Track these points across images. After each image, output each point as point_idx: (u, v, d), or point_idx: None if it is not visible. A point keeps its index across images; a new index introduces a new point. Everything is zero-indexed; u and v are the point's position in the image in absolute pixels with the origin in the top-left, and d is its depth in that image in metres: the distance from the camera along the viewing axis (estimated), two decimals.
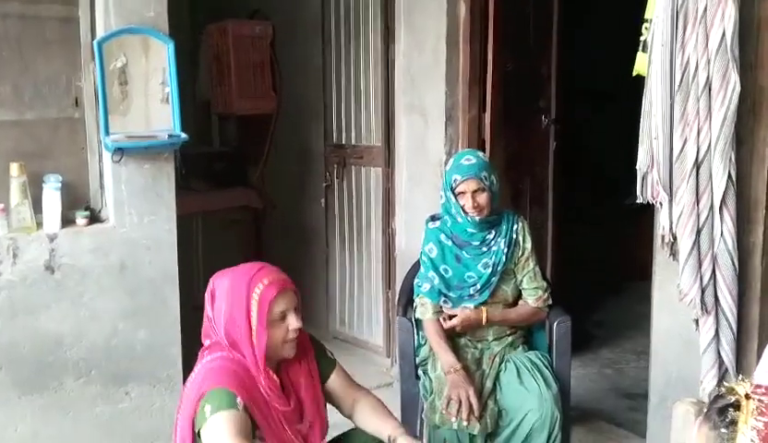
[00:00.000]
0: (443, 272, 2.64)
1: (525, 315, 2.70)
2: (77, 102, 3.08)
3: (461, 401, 2.41)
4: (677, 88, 2.29)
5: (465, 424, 2.41)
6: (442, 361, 2.56)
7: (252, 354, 1.91)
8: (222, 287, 1.96)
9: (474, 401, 2.42)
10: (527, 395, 2.48)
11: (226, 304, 1.93)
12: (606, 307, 4.93)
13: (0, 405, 2.88)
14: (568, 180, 4.29)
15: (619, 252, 5.64)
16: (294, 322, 1.96)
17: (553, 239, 3.92)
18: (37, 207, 2.95)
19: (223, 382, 1.83)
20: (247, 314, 1.90)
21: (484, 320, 2.60)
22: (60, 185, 2.95)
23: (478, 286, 2.62)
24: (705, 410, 1.50)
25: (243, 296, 1.91)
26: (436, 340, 2.60)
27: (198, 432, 1.83)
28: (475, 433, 2.42)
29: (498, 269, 2.63)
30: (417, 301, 2.70)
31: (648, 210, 4.64)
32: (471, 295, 2.63)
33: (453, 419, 2.42)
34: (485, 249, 2.64)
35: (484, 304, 2.63)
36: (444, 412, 2.46)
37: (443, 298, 2.63)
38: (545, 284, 2.71)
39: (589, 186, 5.79)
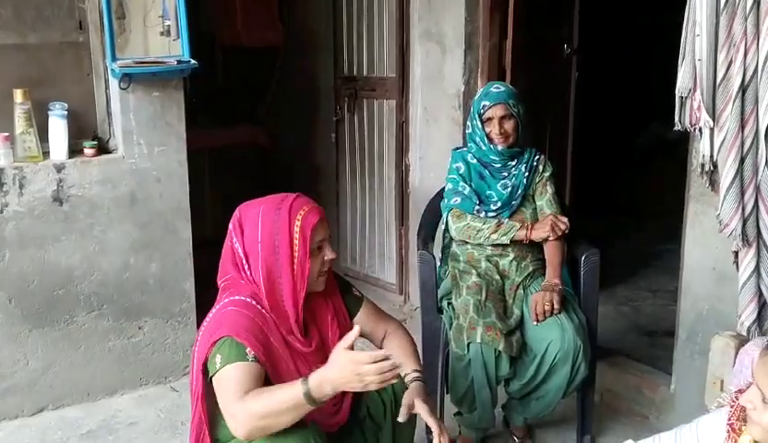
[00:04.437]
0: (472, 187, 2.66)
1: (559, 249, 2.62)
2: (81, 26, 2.94)
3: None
4: (722, 6, 2.15)
5: (485, 293, 2.46)
6: (506, 232, 2.56)
7: (291, 285, 1.83)
8: (256, 217, 1.85)
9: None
10: (548, 327, 2.44)
11: (265, 233, 1.83)
12: (618, 245, 4.86)
13: (11, 339, 2.83)
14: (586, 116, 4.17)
15: (631, 191, 5.58)
16: (329, 253, 1.90)
17: (572, 174, 3.81)
18: (42, 136, 2.84)
19: (234, 331, 1.75)
20: (290, 241, 1.82)
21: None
22: (66, 112, 2.84)
23: (499, 204, 2.63)
24: None
25: (285, 223, 1.82)
26: (481, 221, 2.59)
27: (211, 378, 1.77)
28: (500, 349, 2.36)
29: (519, 191, 2.65)
30: (450, 216, 2.66)
31: (658, 151, 4.50)
32: (493, 212, 2.62)
33: (478, 334, 2.37)
34: (505, 174, 2.67)
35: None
36: (467, 292, 2.48)
37: (476, 207, 2.62)
38: (563, 213, 2.69)
39: (605, 124, 5.65)
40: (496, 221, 2.59)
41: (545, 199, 2.68)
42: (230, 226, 1.90)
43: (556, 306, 2.44)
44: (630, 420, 2.88)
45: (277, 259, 1.82)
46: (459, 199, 2.65)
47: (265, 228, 1.83)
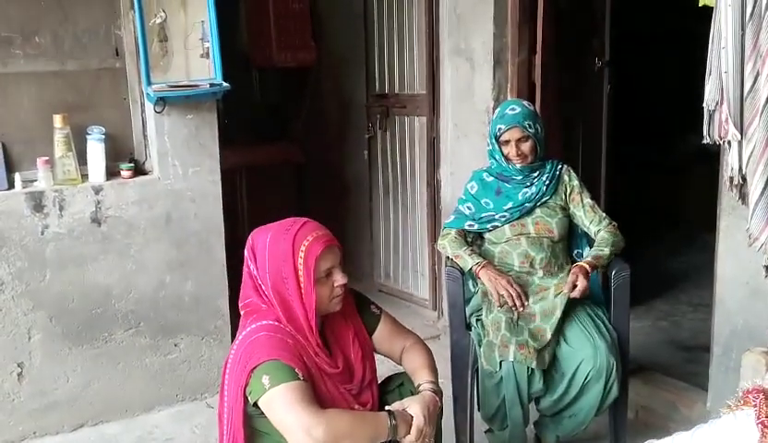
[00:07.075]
0: (483, 205, 2.68)
1: (614, 241, 2.61)
2: (117, 52, 3.04)
3: (509, 295, 2.48)
4: (748, 18, 2.12)
5: (516, 311, 2.47)
6: (466, 262, 2.57)
7: (303, 311, 1.85)
8: (265, 244, 1.87)
9: (516, 287, 2.48)
10: (580, 346, 2.42)
11: (272, 261, 1.85)
12: (658, 258, 4.78)
13: (52, 356, 2.92)
14: (620, 129, 4.12)
15: (673, 202, 5.48)
16: (339, 278, 1.90)
17: (606, 187, 3.76)
18: (81, 159, 2.94)
19: (277, 354, 1.77)
20: (295, 271, 1.84)
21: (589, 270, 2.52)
22: (104, 136, 2.94)
23: (510, 204, 2.63)
24: None
25: (289, 254, 1.84)
26: (455, 247, 2.62)
27: (255, 403, 1.77)
28: (533, 366, 2.35)
29: (537, 196, 2.64)
30: (442, 233, 2.73)
31: (697, 162, 4.40)
32: (504, 212, 2.63)
33: (511, 352, 2.36)
34: (527, 183, 2.67)
35: (522, 223, 2.63)
36: (498, 309, 2.48)
37: (469, 222, 2.67)
38: (605, 215, 2.69)
39: (639, 136, 5.57)
40: (465, 249, 2.60)
41: (585, 210, 2.66)
42: (245, 252, 1.92)
43: (579, 287, 2.43)
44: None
45: (287, 288, 1.85)
46: (453, 217, 2.72)
47: (272, 257, 1.85)
